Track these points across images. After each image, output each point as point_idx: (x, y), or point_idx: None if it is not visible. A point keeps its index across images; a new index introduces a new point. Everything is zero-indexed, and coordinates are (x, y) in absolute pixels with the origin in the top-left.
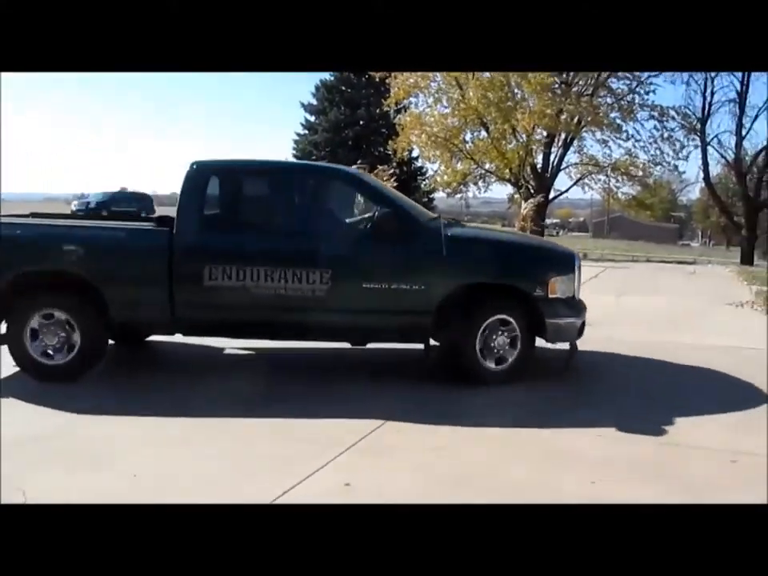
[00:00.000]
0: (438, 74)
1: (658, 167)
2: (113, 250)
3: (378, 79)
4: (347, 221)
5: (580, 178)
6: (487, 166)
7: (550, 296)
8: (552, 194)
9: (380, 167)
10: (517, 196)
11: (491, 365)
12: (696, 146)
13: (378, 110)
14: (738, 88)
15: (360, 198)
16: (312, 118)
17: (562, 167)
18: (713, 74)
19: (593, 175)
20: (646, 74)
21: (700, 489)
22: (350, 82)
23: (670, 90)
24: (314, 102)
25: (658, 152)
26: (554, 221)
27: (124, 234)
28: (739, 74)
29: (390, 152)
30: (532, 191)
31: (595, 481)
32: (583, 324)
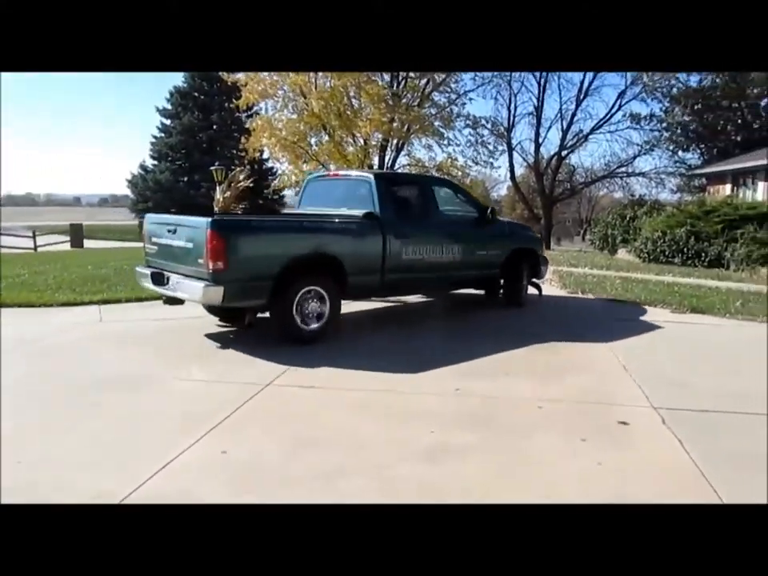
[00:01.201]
0: (284, 83)
1: (475, 168)
2: (353, 237)
3: (229, 83)
4: (464, 213)
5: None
6: (331, 167)
7: (542, 254)
8: None
9: (237, 168)
10: None
11: (524, 294)
12: (504, 151)
13: (230, 114)
14: (536, 103)
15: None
16: (168, 122)
17: (395, 168)
18: (515, 91)
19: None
20: (462, 89)
21: (513, 430)
22: (203, 89)
23: (482, 102)
24: (169, 106)
25: (474, 154)
26: None
27: (355, 225)
28: (536, 91)
29: (242, 153)
30: None
31: (434, 431)
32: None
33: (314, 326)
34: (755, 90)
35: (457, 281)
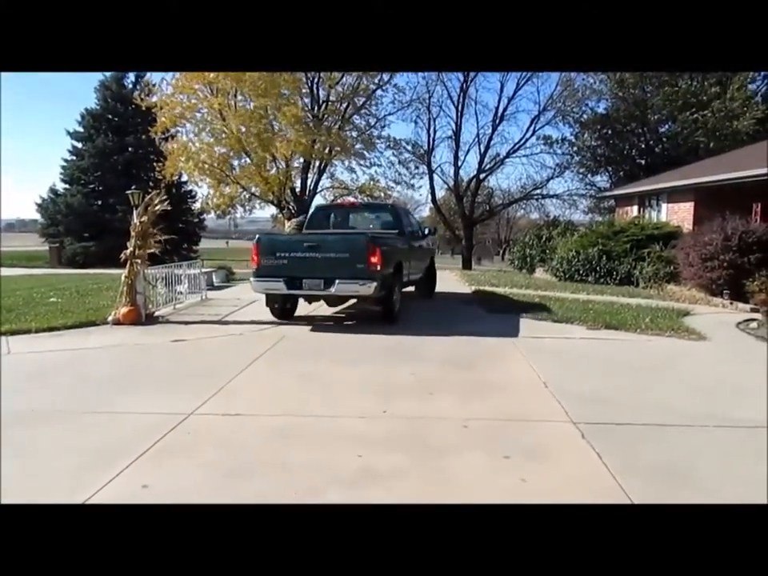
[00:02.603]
0: (202, 106)
1: (397, 188)
2: (406, 247)
3: (143, 108)
4: (417, 231)
5: (333, 200)
6: (253, 190)
7: (434, 259)
8: None
9: (153, 192)
10: (280, 216)
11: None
12: (425, 173)
13: (146, 137)
14: (454, 128)
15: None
16: (79, 145)
17: (318, 190)
18: (434, 115)
19: (343, 197)
20: (382, 113)
21: (441, 450)
22: (117, 111)
23: (402, 125)
24: (81, 129)
25: (396, 174)
26: None
27: (402, 240)
28: (454, 115)
29: (160, 176)
30: (293, 211)
31: (362, 455)
32: None
33: (397, 308)
34: (656, 117)
35: (416, 277)
